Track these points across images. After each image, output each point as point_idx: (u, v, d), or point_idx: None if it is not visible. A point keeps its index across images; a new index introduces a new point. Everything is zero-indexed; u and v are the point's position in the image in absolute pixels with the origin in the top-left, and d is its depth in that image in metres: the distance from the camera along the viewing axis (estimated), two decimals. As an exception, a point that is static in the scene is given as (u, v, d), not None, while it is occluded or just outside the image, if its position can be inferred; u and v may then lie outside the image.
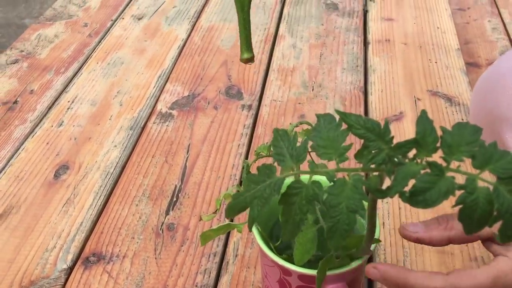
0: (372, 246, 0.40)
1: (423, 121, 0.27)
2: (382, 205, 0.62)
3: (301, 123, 0.47)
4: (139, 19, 1.02)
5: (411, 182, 0.27)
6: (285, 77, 0.85)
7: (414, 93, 0.81)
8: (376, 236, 0.40)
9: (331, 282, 0.40)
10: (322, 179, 0.31)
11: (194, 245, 0.58)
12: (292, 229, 0.28)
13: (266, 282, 0.46)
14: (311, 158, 0.36)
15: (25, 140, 0.74)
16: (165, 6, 1.06)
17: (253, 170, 0.69)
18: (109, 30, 0.99)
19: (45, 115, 0.78)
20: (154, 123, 0.76)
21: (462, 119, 0.75)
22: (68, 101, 0.81)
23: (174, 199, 0.64)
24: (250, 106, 0.79)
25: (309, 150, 0.31)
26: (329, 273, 0.39)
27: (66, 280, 0.55)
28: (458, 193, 0.27)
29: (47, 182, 0.67)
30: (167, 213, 0.62)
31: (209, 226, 0.60)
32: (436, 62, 0.88)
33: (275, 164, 0.32)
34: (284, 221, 0.29)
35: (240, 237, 0.59)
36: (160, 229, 0.60)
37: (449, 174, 0.27)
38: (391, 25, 0.98)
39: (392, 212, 0.61)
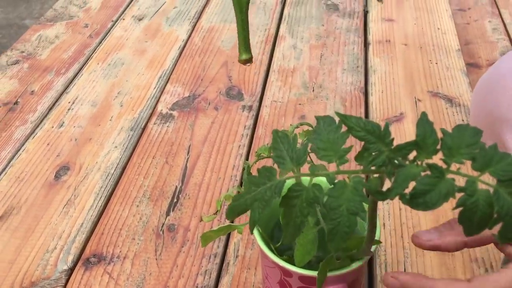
0: (373, 247, 0.40)
1: (423, 123, 0.27)
2: (383, 206, 0.62)
3: (301, 124, 0.47)
4: (140, 19, 1.02)
5: (412, 184, 0.27)
6: (286, 78, 0.85)
7: (414, 94, 0.81)
8: (376, 238, 0.40)
9: (331, 283, 0.40)
10: (322, 180, 0.31)
11: (194, 246, 0.58)
12: (293, 231, 0.28)
13: (267, 283, 0.46)
14: (310, 158, 0.36)
15: (26, 141, 0.74)
16: (165, 7, 1.06)
17: (254, 171, 0.69)
18: (109, 31, 0.99)
19: (45, 116, 0.78)
20: (154, 124, 0.76)
21: (463, 120, 0.75)
22: (69, 102, 0.81)
23: (175, 200, 0.64)
24: (250, 107, 0.79)
25: (309, 151, 0.31)
26: (329, 274, 0.39)
27: (67, 281, 0.55)
28: (458, 195, 0.27)
29: (47, 183, 0.67)
30: (167, 214, 0.62)
31: (210, 227, 0.60)
32: (436, 63, 0.88)
33: (275, 166, 0.32)
34: (285, 224, 0.29)
35: (240, 238, 0.59)
36: (161, 230, 0.60)
37: (449, 176, 0.27)
38: (391, 25, 0.98)
39: (392, 213, 0.61)
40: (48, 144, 0.73)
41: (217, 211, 0.47)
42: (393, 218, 0.61)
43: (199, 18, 1.02)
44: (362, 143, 0.29)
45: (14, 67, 0.89)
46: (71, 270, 0.56)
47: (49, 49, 0.93)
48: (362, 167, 0.29)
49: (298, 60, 0.89)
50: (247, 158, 0.70)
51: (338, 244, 0.28)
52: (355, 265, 0.40)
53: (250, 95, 0.82)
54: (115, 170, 0.68)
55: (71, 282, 0.55)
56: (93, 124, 0.76)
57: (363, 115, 0.77)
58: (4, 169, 0.69)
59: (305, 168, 0.32)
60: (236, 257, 0.57)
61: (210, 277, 0.55)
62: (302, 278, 0.41)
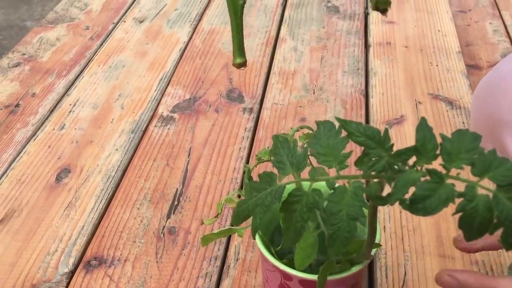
0: (373, 251, 0.40)
1: (423, 128, 0.27)
2: (383, 209, 0.62)
3: (301, 128, 0.47)
4: (141, 22, 1.02)
5: (412, 189, 0.27)
6: (286, 80, 0.86)
7: (415, 96, 0.81)
8: (376, 241, 0.40)
9: (332, 287, 0.40)
10: (322, 185, 0.31)
11: (195, 249, 0.58)
12: (293, 236, 0.29)
13: (267, 287, 0.46)
14: (310, 162, 0.36)
15: (27, 143, 0.74)
16: (166, 9, 1.06)
17: (254, 175, 0.69)
18: (110, 33, 0.99)
19: (47, 118, 0.79)
20: (155, 126, 0.77)
21: (463, 123, 0.75)
22: (70, 104, 0.81)
23: (175, 202, 0.64)
24: (251, 109, 0.79)
25: (309, 154, 0.31)
26: (330, 278, 0.39)
27: (68, 283, 0.55)
28: (458, 200, 0.27)
29: (48, 186, 0.67)
30: (168, 216, 0.62)
31: (210, 230, 0.60)
32: (437, 65, 0.88)
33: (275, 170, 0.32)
34: (285, 228, 0.29)
35: (241, 241, 0.59)
36: (161, 232, 0.60)
37: (449, 181, 0.27)
38: (392, 28, 0.98)
39: (393, 216, 0.61)
40: (49, 147, 0.73)
41: (218, 214, 0.48)
42: (394, 221, 0.61)
43: (200, 20, 1.03)
44: (362, 148, 0.29)
45: (16, 69, 0.89)
46: (72, 273, 0.56)
47: (50, 52, 0.94)
48: (362, 172, 0.29)
49: (299, 63, 0.90)
50: (247, 161, 0.70)
51: (338, 249, 0.28)
52: (355, 269, 0.40)
53: (250, 97, 0.82)
54: (116, 172, 0.69)
55: (72, 284, 0.55)
56: (94, 126, 0.77)
57: (363, 118, 0.77)
58: (5, 172, 0.69)
59: (305, 171, 0.32)
60: (237, 260, 0.57)
61: (210, 280, 0.55)
62: (302, 281, 0.41)
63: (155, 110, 0.80)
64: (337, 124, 0.30)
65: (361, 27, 0.99)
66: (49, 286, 0.55)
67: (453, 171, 0.27)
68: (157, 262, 0.57)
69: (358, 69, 0.88)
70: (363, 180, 0.29)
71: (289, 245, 0.30)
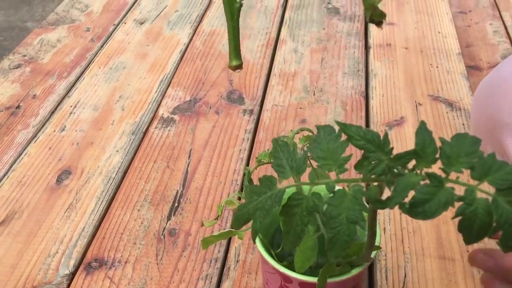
0: (373, 253, 0.40)
1: (422, 132, 0.28)
2: (383, 211, 0.62)
3: (301, 130, 0.47)
4: (141, 23, 1.02)
5: (411, 193, 0.27)
6: (287, 81, 0.86)
7: (415, 97, 0.81)
8: (376, 243, 0.40)
9: (332, 289, 0.40)
10: (322, 188, 0.31)
11: (195, 251, 0.58)
12: (293, 239, 0.29)
13: (267, 289, 0.46)
14: (310, 163, 0.36)
15: (28, 145, 0.74)
16: (167, 10, 1.06)
17: (254, 177, 0.69)
18: (111, 34, 0.99)
19: (47, 120, 0.79)
20: (156, 128, 0.77)
21: (463, 124, 0.75)
22: (71, 106, 0.81)
23: (176, 204, 0.64)
24: (251, 111, 0.79)
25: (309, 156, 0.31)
26: (329, 280, 0.39)
27: (68, 285, 0.55)
28: (457, 204, 0.27)
29: (49, 187, 0.67)
30: (168, 218, 0.62)
31: (211, 232, 0.61)
32: (437, 67, 0.88)
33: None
34: (285, 232, 0.29)
35: (241, 242, 0.59)
36: (162, 234, 0.61)
37: (449, 185, 0.27)
38: (392, 29, 0.98)
39: (393, 218, 0.61)
40: (50, 148, 0.73)
41: (218, 216, 0.48)
42: (394, 223, 0.61)
43: (200, 21, 1.03)
44: (362, 151, 0.29)
45: (16, 71, 0.89)
46: (73, 274, 0.56)
47: (51, 53, 0.94)
48: (361, 175, 0.29)
49: (299, 64, 0.90)
50: (248, 162, 0.70)
51: (338, 252, 0.28)
52: (355, 271, 0.40)
53: (251, 99, 0.82)
54: (116, 174, 0.69)
55: (72, 286, 0.55)
56: (95, 128, 0.77)
57: (363, 119, 0.78)
58: (6, 173, 0.69)
59: (305, 174, 0.32)
60: (237, 261, 0.57)
61: (211, 282, 0.55)
62: (302, 284, 0.41)
63: (156, 111, 0.80)
64: (337, 128, 0.30)
65: (361, 29, 0.99)
66: (50, 288, 0.55)
67: (453, 175, 0.27)
68: (157, 264, 0.57)
69: (358, 70, 0.88)
70: (363, 184, 0.29)
71: (289, 249, 0.30)
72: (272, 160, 0.33)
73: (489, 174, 0.27)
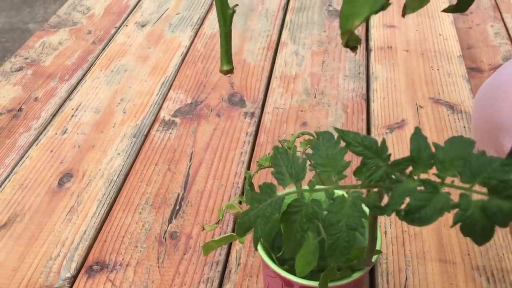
0: (374, 258, 0.40)
1: (417, 138, 0.28)
2: (384, 213, 0.62)
3: (302, 134, 0.47)
4: (143, 26, 1.03)
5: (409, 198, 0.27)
6: (288, 84, 0.86)
7: (416, 100, 0.81)
8: (377, 247, 0.40)
9: (332, 293, 0.40)
10: (322, 194, 0.32)
11: (196, 254, 0.59)
12: (294, 246, 0.29)
13: (268, 292, 0.46)
14: (314, 166, 0.36)
15: (30, 147, 0.74)
16: (168, 13, 1.07)
17: (255, 181, 0.69)
18: (112, 37, 0.99)
19: (49, 122, 0.79)
20: (157, 130, 0.77)
21: (464, 127, 0.75)
22: (72, 109, 0.81)
23: (177, 207, 0.64)
24: (252, 114, 0.80)
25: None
26: (330, 284, 0.39)
27: (70, 288, 0.56)
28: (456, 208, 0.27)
29: (51, 190, 0.67)
30: (170, 221, 0.63)
31: (212, 235, 0.61)
32: (438, 69, 0.88)
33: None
34: (286, 238, 0.29)
35: (242, 245, 0.59)
36: (163, 237, 0.61)
37: (445, 189, 0.27)
38: (393, 32, 0.99)
39: (394, 221, 0.61)
40: (51, 151, 0.73)
41: (219, 220, 0.48)
42: (395, 226, 0.61)
43: (201, 24, 1.03)
44: (361, 158, 0.29)
45: (18, 73, 0.90)
46: (74, 277, 0.57)
47: (52, 56, 0.94)
48: (361, 182, 0.29)
49: (300, 67, 0.90)
50: (249, 165, 0.71)
51: (338, 258, 0.28)
52: (356, 276, 0.40)
53: (252, 101, 0.82)
54: (117, 177, 0.69)
55: (74, 289, 0.55)
56: (96, 131, 0.77)
57: (364, 122, 0.78)
58: (8, 176, 0.70)
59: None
60: (238, 264, 0.57)
61: (212, 285, 0.55)
62: (303, 288, 0.41)
63: (157, 114, 0.80)
64: (336, 134, 0.30)
65: (362, 31, 1.00)
66: (52, 291, 0.55)
67: (449, 179, 0.27)
68: (158, 267, 0.57)
69: (359, 73, 0.88)
70: (363, 190, 0.29)
71: (290, 255, 0.30)
72: (272, 167, 0.33)
73: (477, 176, 0.27)
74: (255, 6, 1.08)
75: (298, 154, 0.46)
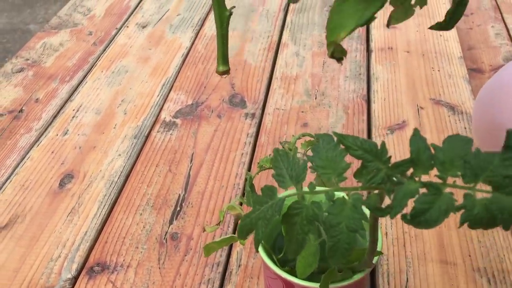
0: (375, 259, 0.40)
1: (416, 139, 0.28)
2: (385, 214, 0.62)
3: (303, 135, 0.47)
4: (144, 27, 1.03)
5: (412, 201, 0.27)
6: (288, 85, 0.86)
7: (417, 101, 0.81)
8: (378, 249, 0.40)
9: (333, 295, 0.40)
10: (322, 196, 0.32)
11: (197, 255, 0.59)
12: (295, 248, 0.29)
13: (269, 294, 0.46)
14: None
15: (30, 149, 0.74)
16: (169, 14, 1.07)
17: (256, 182, 0.69)
18: (113, 38, 0.99)
19: (50, 123, 0.79)
20: (158, 132, 0.77)
21: (465, 128, 0.75)
22: (73, 110, 0.82)
23: (178, 208, 0.64)
24: (253, 115, 0.80)
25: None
26: (331, 286, 0.39)
27: (71, 290, 0.56)
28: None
29: (52, 191, 0.67)
30: (170, 222, 0.63)
31: (213, 236, 0.61)
32: (438, 70, 0.88)
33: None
34: (287, 240, 0.29)
35: (243, 247, 0.59)
36: (164, 238, 0.61)
37: (447, 190, 0.27)
38: (394, 33, 0.99)
39: (395, 222, 0.61)
40: (52, 152, 0.74)
41: (220, 221, 0.48)
42: (396, 227, 0.61)
43: (202, 25, 1.03)
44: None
45: (19, 74, 0.90)
46: (75, 278, 0.57)
47: (53, 57, 0.94)
48: (361, 183, 0.29)
49: (301, 68, 0.90)
50: (250, 166, 0.71)
51: (339, 260, 0.28)
52: (357, 277, 0.40)
53: (253, 102, 0.82)
54: (118, 178, 0.69)
55: (75, 291, 0.55)
56: (97, 132, 0.77)
57: (365, 123, 0.78)
58: (9, 177, 0.70)
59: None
60: (239, 266, 0.57)
61: (213, 286, 0.55)
62: (303, 289, 0.41)
63: (158, 115, 0.80)
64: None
65: (363, 32, 1.00)
66: (52, 292, 0.55)
67: (450, 179, 0.27)
68: (159, 268, 0.57)
69: (360, 74, 0.88)
70: (364, 192, 0.29)
71: (292, 256, 0.30)
72: (272, 167, 0.33)
73: (480, 175, 0.27)
74: (256, 7, 1.08)
75: (299, 155, 0.46)
